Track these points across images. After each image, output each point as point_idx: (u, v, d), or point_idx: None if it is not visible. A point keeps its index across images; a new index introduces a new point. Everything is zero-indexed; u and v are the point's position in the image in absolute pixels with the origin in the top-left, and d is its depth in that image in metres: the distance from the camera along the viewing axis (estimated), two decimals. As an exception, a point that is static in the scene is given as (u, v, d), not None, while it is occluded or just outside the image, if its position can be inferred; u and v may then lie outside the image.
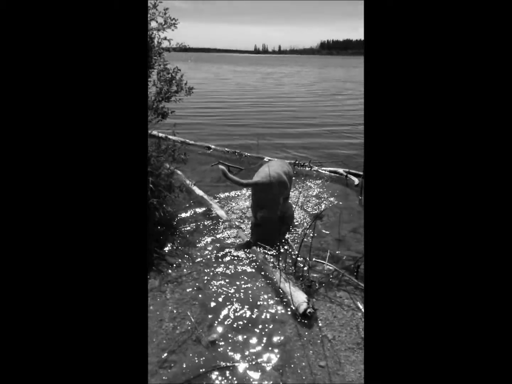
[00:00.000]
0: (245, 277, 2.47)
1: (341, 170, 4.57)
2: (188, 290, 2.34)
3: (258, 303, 2.22)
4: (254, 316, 2.11)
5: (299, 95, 14.50)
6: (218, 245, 2.89)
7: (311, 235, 2.87)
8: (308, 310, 2.08)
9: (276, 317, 2.11)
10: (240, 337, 1.95)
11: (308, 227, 2.89)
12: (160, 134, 5.76)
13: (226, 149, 5.58)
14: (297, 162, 4.87)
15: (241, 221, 3.32)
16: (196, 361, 1.79)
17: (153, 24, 3.21)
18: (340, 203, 3.75)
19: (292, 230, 3.19)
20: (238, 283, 2.41)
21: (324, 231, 3.15)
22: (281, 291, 2.30)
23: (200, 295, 2.29)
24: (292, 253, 2.74)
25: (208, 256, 2.72)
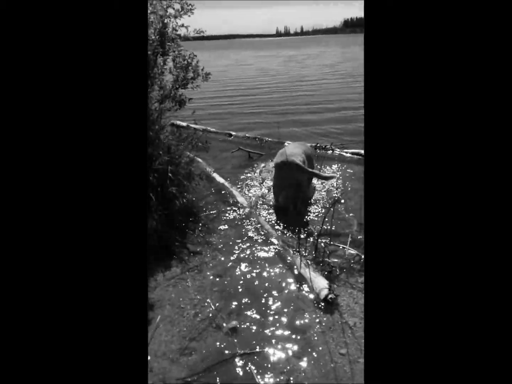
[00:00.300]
0: (265, 263, 2.45)
1: (363, 152, 4.41)
2: (208, 277, 2.35)
3: (279, 289, 2.20)
4: (274, 303, 2.09)
5: (322, 77, 13.90)
6: (238, 231, 2.88)
7: (332, 219, 2.80)
8: (330, 296, 2.04)
9: (297, 303, 2.08)
10: (259, 324, 1.94)
11: (328, 209, 2.82)
12: (182, 123, 5.79)
13: (247, 135, 5.54)
14: (318, 145, 4.76)
15: (262, 207, 3.29)
16: (216, 348, 1.80)
17: (169, 11, 3.18)
18: (363, 185, 3.63)
19: (313, 213, 3.12)
20: (258, 269, 2.39)
21: (345, 214, 3.07)
22: (302, 277, 2.27)
23: (220, 282, 2.29)
24: (313, 237, 2.69)
25: (229, 243, 2.72)
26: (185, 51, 3.43)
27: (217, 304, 2.10)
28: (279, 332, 1.88)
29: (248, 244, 2.69)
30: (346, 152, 4.56)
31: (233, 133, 5.70)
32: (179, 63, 3.35)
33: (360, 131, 5.93)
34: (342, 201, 3.31)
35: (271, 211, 3.22)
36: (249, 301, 2.11)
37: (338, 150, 4.65)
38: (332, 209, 2.84)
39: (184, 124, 5.76)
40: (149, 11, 3.10)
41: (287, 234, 2.78)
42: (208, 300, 2.13)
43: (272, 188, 3.32)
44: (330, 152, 4.67)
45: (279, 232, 2.81)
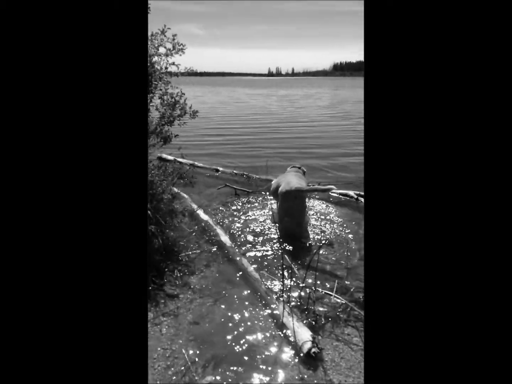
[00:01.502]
0: (246, 310, 2.31)
1: (351, 193, 4.39)
2: (184, 324, 2.19)
3: (259, 339, 2.05)
4: (253, 355, 1.94)
5: (314, 119, 13.66)
6: (219, 273, 2.74)
7: (318, 262, 2.69)
8: (313, 350, 1.90)
9: (277, 357, 1.93)
10: (236, 380, 1.78)
11: (314, 253, 2.72)
12: (169, 157, 5.75)
13: (234, 171, 5.50)
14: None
15: (246, 246, 3.18)
16: (187, 408, 1.63)
17: (161, 50, 3.21)
18: (350, 228, 3.57)
19: (298, 256, 3.01)
20: (238, 316, 2.24)
21: (332, 258, 2.97)
22: (284, 326, 2.13)
23: (197, 330, 2.13)
24: (297, 282, 2.57)
25: (208, 286, 2.57)
26: (174, 89, 3.44)
27: (191, 355, 1.93)
28: (257, 390, 1.72)
29: (229, 288, 2.55)
30: (334, 193, 4.52)
31: (221, 168, 5.66)
32: (166, 100, 3.34)
33: (347, 170, 5.96)
34: (332, 244, 3.23)
35: (255, 251, 3.10)
36: (226, 352, 1.95)
37: (326, 189, 4.61)
38: (318, 252, 2.74)
39: (171, 158, 5.72)
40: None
41: (271, 277, 2.65)
42: (182, 350, 1.97)
43: (279, 216, 3.47)
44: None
45: (263, 275, 2.69)
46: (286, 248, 3.14)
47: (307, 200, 3.60)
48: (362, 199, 4.20)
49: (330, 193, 4.54)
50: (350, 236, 3.37)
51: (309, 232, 3.48)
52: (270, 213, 3.90)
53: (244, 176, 5.34)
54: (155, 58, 3.20)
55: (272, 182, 3.98)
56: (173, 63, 3.33)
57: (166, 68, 3.30)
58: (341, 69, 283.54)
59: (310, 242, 3.28)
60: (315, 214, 3.94)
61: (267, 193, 4.49)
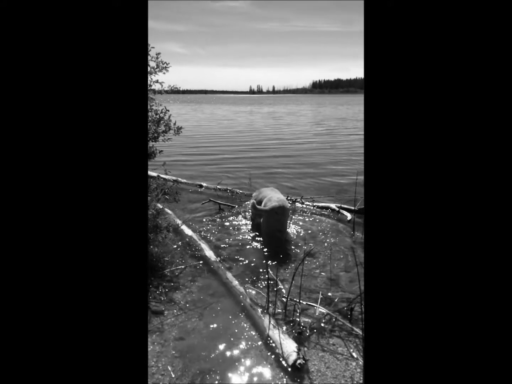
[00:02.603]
0: (231, 324, 2.31)
1: (333, 205, 4.48)
2: (170, 340, 2.17)
3: (245, 353, 2.05)
4: (239, 369, 1.93)
5: (302, 136, 13.42)
6: (204, 288, 2.74)
7: (302, 274, 2.73)
8: (298, 362, 1.91)
9: (264, 369, 1.93)
10: (223, 395, 1.77)
11: (298, 265, 2.76)
12: (152, 173, 5.73)
13: (218, 186, 5.52)
14: (288, 197, 4.79)
15: (230, 260, 3.19)
16: (173, 424, 1.61)
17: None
18: (332, 239, 3.63)
19: (282, 268, 3.04)
20: (223, 330, 2.24)
21: (315, 270, 3.01)
22: (270, 339, 2.14)
23: (182, 346, 2.12)
24: (282, 294, 2.59)
25: (194, 301, 2.56)
26: (158, 106, 3.49)
27: (177, 371, 1.91)
28: (244, 404, 1.72)
29: (214, 302, 2.55)
30: (316, 205, 4.61)
31: (204, 184, 5.68)
32: (150, 117, 3.39)
33: (329, 185, 6.07)
34: (315, 255, 3.27)
35: (239, 265, 3.11)
36: (212, 368, 1.95)
37: (309, 203, 4.70)
38: (302, 264, 2.78)
39: (155, 174, 5.71)
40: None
41: (256, 290, 2.67)
42: (168, 367, 1.94)
43: (266, 230, 3.60)
44: (300, 204, 4.70)
45: (248, 288, 2.70)
46: (270, 260, 3.17)
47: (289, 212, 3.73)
48: (344, 212, 4.29)
49: (312, 206, 4.61)
50: (332, 247, 3.43)
51: (292, 244, 3.52)
52: (250, 227, 3.95)
53: (228, 191, 5.38)
54: None
55: (253, 195, 4.07)
56: (157, 81, 3.40)
57: (150, 85, 3.36)
58: (320, 87, 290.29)
59: (293, 254, 3.31)
60: (298, 226, 3.99)
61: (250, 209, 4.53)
